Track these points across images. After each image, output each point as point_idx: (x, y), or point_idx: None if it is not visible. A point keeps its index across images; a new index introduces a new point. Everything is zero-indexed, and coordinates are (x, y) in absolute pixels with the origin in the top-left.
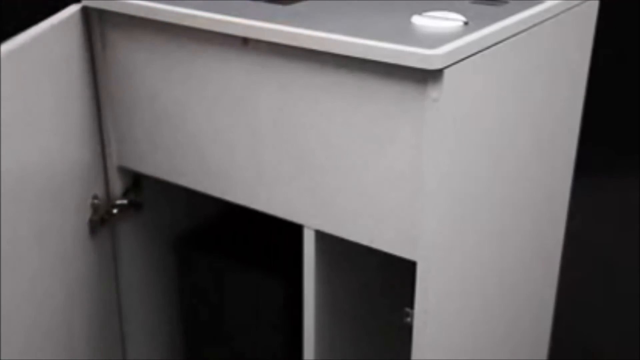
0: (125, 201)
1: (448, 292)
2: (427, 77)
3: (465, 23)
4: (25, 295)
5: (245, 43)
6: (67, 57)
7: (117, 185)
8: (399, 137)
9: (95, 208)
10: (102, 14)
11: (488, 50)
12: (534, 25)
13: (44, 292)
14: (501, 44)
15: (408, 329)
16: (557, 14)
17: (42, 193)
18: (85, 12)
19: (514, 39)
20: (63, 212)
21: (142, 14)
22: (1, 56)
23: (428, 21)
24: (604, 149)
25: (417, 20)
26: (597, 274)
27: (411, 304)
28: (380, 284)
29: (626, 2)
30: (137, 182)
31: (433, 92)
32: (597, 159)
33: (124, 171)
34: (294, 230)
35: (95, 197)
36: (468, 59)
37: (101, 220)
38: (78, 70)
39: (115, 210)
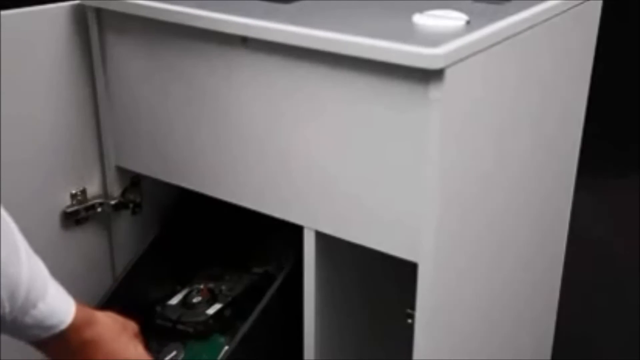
0: (122, 200)
1: (449, 293)
2: (428, 76)
3: (467, 22)
4: None
5: (244, 42)
6: (61, 53)
7: (115, 185)
8: (400, 137)
9: (79, 202)
10: (99, 12)
11: (490, 50)
12: (536, 24)
13: None
14: (503, 43)
15: (409, 330)
16: (560, 13)
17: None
18: (82, 10)
19: (516, 37)
20: (36, 196)
21: (139, 12)
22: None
23: (429, 20)
24: (605, 148)
25: (419, 19)
26: (598, 273)
27: (412, 305)
28: (381, 284)
29: (627, 0)
30: (135, 181)
31: (434, 91)
32: (598, 157)
33: (122, 171)
34: (294, 230)
35: (82, 191)
36: (470, 58)
37: (86, 217)
38: (74, 67)
39: (111, 209)
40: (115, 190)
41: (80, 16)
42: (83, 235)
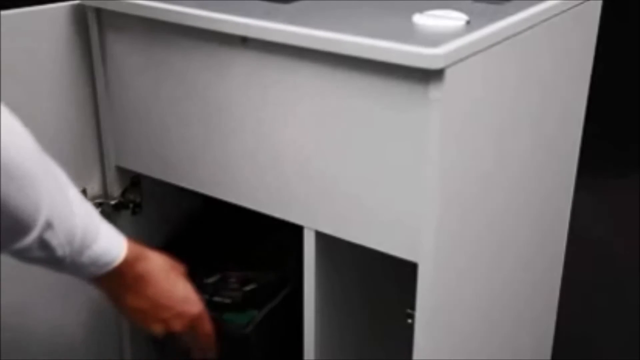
0: (122, 200)
1: (449, 293)
2: (428, 76)
3: (467, 22)
4: None
5: (244, 42)
6: (61, 53)
7: (115, 185)
8: (400, 137)
9: None
10: (99, 12)
11: (490, 50)
12: (536, 24)
13: None
14: (503, 43)
15: (409, 330)
16: (559, 13)
17: None
18: (82, 10)
19: (516, 37)
20: None
21: (139, 12)
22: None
23: (429, 20)
24: (605, 148)
25: (419, 19)
26: (598, 273)
27: (412, 305)
28: (381, 284)
29: (627, 0)
30: (136, 181)
31: (434, 91)
32: (598, 157)
33: (123, 171)
34: (294, 230)
35: (82, 191)
36: (470, 58)
37: None
38: (74, 67)
39: (111, 209)
40: (115, 190)
41: (80, 16)
42: None
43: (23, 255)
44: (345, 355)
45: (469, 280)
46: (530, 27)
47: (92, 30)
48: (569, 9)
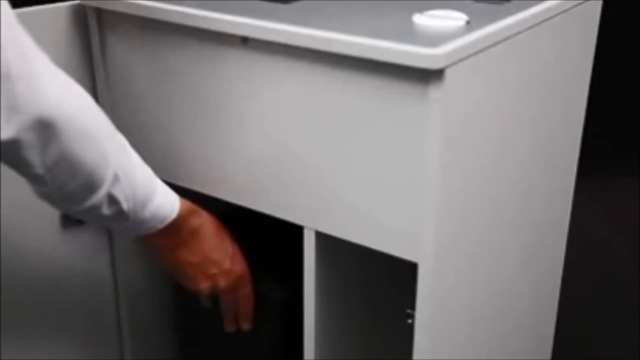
0: None
1: (449, 293)
2: (428, 76)
3: (467, 22)
4: None
5: (244, 42)
6: (61, 53)
7: None
8: (400, 137)
9: None
10: (99, 12)
11: (490, 49)
12: (537, 24)
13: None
14: (503, 43)
15: (409, 330)
16: (560, 13)
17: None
18: (82, 10)
19: (516, 37)
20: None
21: (139, 12)
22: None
23: (429, 20)
24: (605, 148)
25: (419, 19)
26: (598, 273)
27: (412, 305)
28: (381, 284)
29: (627, 0)
30: None
31: (434, 91)
32: (598, 157)
33: None
34: (294, 231)
35: None
36: (470, 58)
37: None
38: (74, 67)
39: None
40: None
41: (80, 16)
42: (83, 235)
43: (92, 214)
44: (345, 356)
45: (469, 280)
46: (530, 27)
47: (92, 30)
48: (569, 9)
